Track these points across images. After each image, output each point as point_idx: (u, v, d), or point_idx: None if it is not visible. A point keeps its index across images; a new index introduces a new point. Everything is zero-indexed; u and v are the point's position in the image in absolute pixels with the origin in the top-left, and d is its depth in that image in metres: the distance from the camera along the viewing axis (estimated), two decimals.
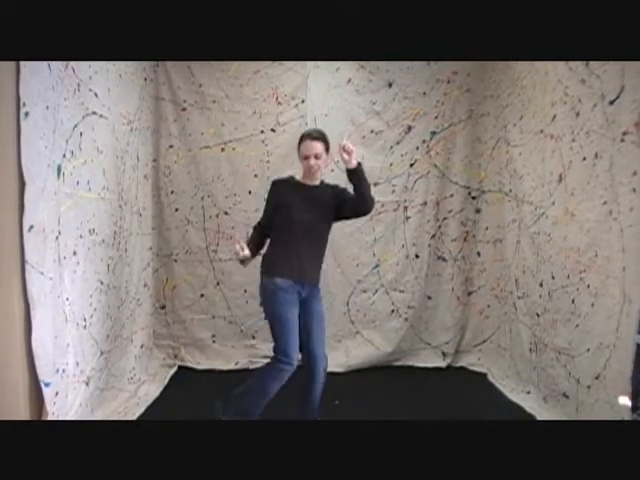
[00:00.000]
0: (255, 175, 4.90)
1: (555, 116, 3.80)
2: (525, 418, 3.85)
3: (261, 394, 3.32)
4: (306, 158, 3.37)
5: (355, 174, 3.24)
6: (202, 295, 5.06)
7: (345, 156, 3.19)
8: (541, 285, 4.03)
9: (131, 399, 4.05)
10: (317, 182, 3.49)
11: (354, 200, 3.34)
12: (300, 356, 3.35)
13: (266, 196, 3.53)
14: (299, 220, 3.33)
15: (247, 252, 3.25)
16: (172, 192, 4.97)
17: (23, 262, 2.70)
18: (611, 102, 3.14)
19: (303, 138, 3.42)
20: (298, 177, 3.52)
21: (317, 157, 3.36)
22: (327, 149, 3.42)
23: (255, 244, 3.43)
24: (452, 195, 5.04)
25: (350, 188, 3.36)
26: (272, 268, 3.36)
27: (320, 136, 3.40)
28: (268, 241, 3.52)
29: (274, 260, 3.38)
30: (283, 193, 3.41)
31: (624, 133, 3.03)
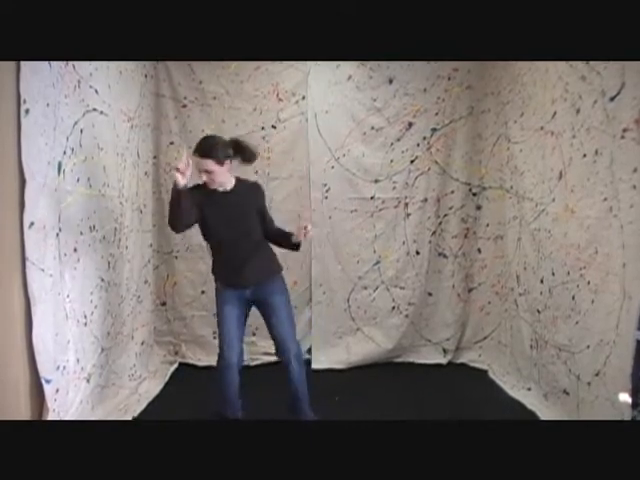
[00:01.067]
0: (256, 172, 4.86)
1: (555, 113, 3.80)
2: (526, 415, 3.86)
3: (220, 391, 3.49)
4: (199, 172, 3.24)
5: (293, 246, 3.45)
6: (203, 292, 5.06)
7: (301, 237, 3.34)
8: (542, 282, 4.03)
9: (132, 396, 4.06)
10: (229, 186, 3.37)
11: (276, 235, 3.52)
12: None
13: None
14: (218, 232, 3.36)
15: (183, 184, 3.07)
16: None
17: (24, 259, 2.70)
18: (611, 99, 3.13)
19: (194, 152, 3.22)
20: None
21: (208, 172, 3.21)
22: (221, 161, 3.22)
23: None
24: (453, 192, 5.03)
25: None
26: (215, 274, 3.55)
27: (207, 153, 3.19)
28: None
29: (214, 267, 3.56)
30: (198, 203, 3.28)
31: (624, 130, 3.02)
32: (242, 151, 3.34)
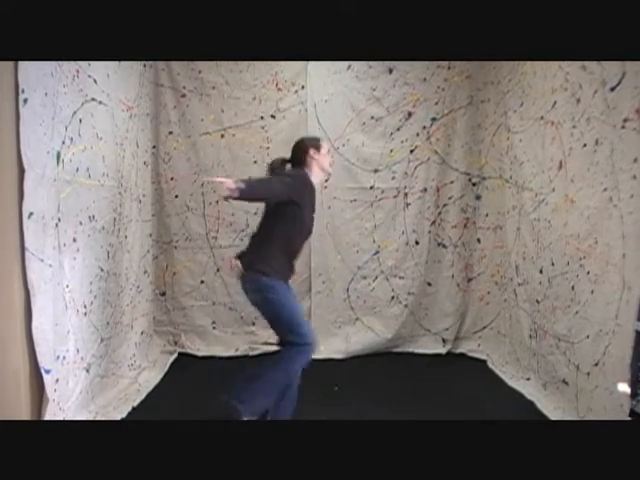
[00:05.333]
0: (255, 161, 4.88)
1: (555, 102, 3.79)
2: (525, 405, 3.88)
3: (280, 381, 3.21)
4: (326, 160, 3.41)
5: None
6: (202, 282, 5.07)
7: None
8: (541, 272, 4.03)
9: (131, 386, 4.06)
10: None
11: None
12: None
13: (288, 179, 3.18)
14: (311, 223, 3.36)
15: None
16: (172, 179, 4.96)
17: (23, 249, 2.70)
18: (612, 88, 3.12)
19: (323, 148, 3.41)
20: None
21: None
22: None
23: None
24: (452, 181, 5.03)
25: None
26: (274, 265, 3.25)
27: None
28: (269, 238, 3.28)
29: (275, 259, 3.25)
30: (307, 201, 3.27)
31: (625, 120, 3.01)
32: None
